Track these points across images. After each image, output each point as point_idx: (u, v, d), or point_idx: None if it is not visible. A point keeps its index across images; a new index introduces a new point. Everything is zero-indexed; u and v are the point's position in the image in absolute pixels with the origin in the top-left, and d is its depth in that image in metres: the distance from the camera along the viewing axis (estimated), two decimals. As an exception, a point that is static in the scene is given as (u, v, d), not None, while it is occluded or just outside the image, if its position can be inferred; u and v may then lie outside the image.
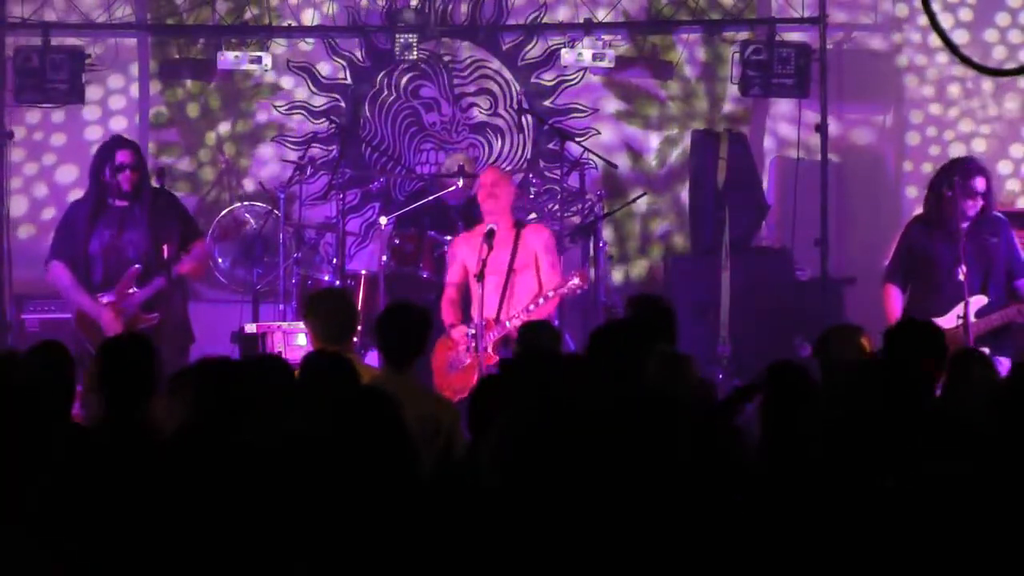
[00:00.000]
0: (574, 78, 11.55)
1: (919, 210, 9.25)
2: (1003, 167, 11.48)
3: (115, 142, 9.36)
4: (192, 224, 9.45)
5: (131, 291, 9.00)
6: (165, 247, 8.95)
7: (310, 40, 11.50)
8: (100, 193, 9.08)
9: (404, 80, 11.57)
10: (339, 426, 4.90)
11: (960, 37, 11.24)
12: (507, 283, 8.92)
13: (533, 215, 10.79)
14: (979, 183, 8.76)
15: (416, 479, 4.87)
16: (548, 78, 11.57)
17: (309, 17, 11.43)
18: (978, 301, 8.69)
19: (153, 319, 9.01)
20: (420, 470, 4.96)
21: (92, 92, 11.15)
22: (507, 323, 8.71)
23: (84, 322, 9.05)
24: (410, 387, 6.52)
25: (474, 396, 5.74)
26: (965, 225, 8.72)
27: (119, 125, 11.46)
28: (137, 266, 8.99)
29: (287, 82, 11.53)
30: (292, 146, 11.48)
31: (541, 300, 8.78)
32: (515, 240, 8.99)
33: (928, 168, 11.37)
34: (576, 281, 8.79)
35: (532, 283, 8.93)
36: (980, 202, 8.76)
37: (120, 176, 8.98)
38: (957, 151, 11.33)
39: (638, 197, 11.19)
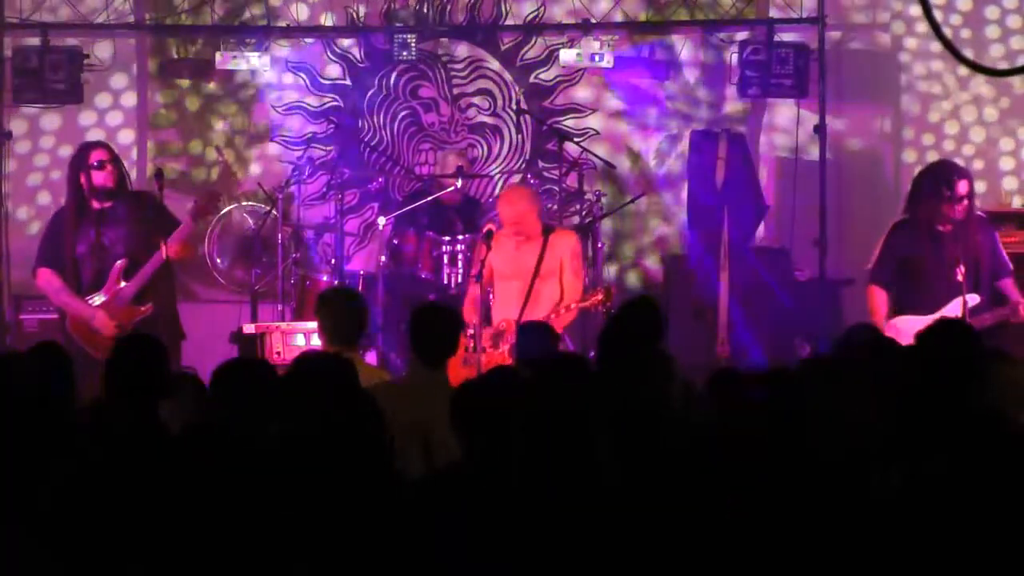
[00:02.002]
0: (573, 78, 11.55)
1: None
2: (1000, 166, 11.49)
3: (87, 145, 9.38)
4: (176, 220, 9.42)
5: (120, 286, 8.99)
6: (162, 242, 8.91)
7: (307, 40, 11.49)
8: (80, 197, 9.05)
9: (402, 80, 11.56)
10: (335, 424, 4.91)
11: (957, 29, 11.25)
12: (531, 288, 8.84)
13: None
14: (963, 186, 8.79)
15: (399, 477, 4.88)
16: (547, 78, 11.57)
17: (303, 13, 11.39)
18: (971, 299, 8.70)
19: (147, 310, 8.99)
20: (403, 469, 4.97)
21: (91, 92, 11.14)
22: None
23: (76, 326, 9.03)
24: (441, 385, 6.55)
25: (455, 398, 5.70)
26: (948, 228, 8.76)
27: (117, 125, 11.46)
28: (122, 260, 8.97)
29: (286, 82, 11.52)
30: (291, 146, 11.47)
31: (562, 311, 8.71)
32: (543, 246, 8.90)
33: (927, 168, 11.41)
34: (599, 297, 8.72)
35: (556, 290, 8.86)
36: (965, 203, 8.79)
37: (99, 174, 8.97)
38: (955, 151, 11.34)
39: (637, 197, 11.19)
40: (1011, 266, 9.04)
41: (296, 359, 5.90)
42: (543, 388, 5.67)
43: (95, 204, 9.05)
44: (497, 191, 11.38)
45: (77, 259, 9.04)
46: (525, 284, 8.80)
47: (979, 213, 9.04)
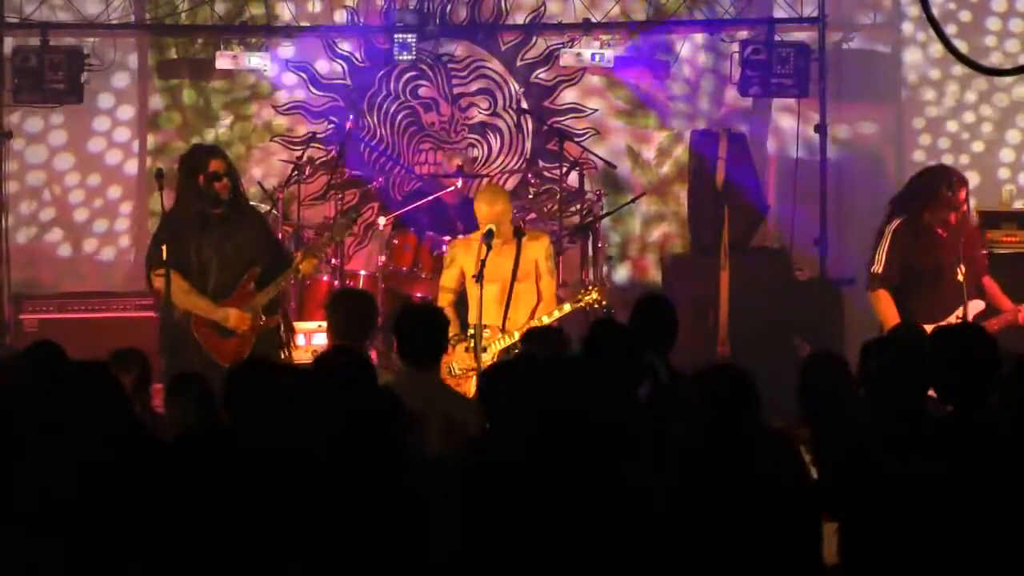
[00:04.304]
0: (573, 78, 11.54)
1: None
2: (1000, 167, 11.48)
3: (204, 151, 8.88)
4: (278, 237, 9.02)
5: (251, 293, 8.54)
6: (298, 255, 8.63)
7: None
8: (199, 201, 8.54)
9: (403, 80, 11.56)
10: (347, 429, 4.92)
11: (956, 33, 11.24)
12: (510, 292, 8.76)
13: (532, 215, 10.78)
14: (963, 194, 8.80)
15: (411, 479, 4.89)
16: (547, 78, 11.56)
17: (298, 9, 11.39)
18: (975, 306, 8.68)
19: (275, 321, 8.59)
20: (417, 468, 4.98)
21: (90, 92, 11.12)
22: (515, 333, 8.60)
23: (204, 332, 8.51)
24: (434, 387, 6.54)
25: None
26: (946, 231, 8.75)
27: (117, 125, 11.45)
28: (255, 268, 8.53)
29: (286, 82, 11.52)
30: (291, 146, 11.46)
31: (556, 313, 8.61)
32: (517, 249, 8.83)
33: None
34: (593, 296, 8.62)
35: (533, 292, 8.79)
36: (964, 209, 8.79)
37: (217, 184, 8.49)
38: (955, 150, 11.33)
39: (637, 197, 11.20)
40: (986, 262, 9.06)
41: (317, 358, 5.91)
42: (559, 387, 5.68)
43: (211, 210, 8.54)
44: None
45: (202, 262, 8.50)
46: (503, 288, 8.73)
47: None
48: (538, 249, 8.80)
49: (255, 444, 5.08)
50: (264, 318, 8.53)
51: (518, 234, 8.85)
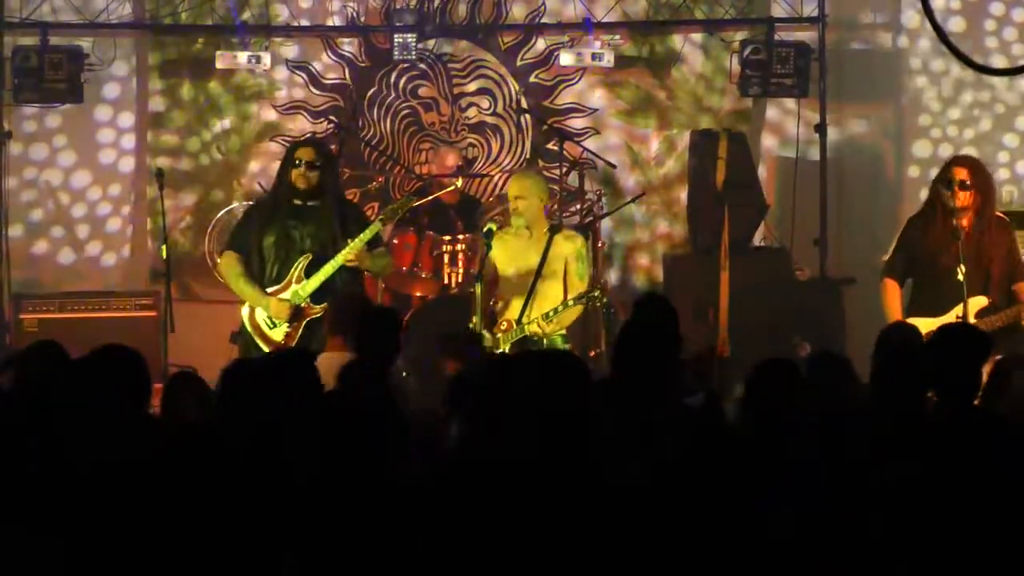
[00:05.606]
0: (573, 78, 11.54)
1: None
2: (1001, 167, 11.48)
3: (300, 140, 8.97)
4: (379, 236, 9.11)
5: (298, 280, 8.57)
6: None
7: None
8: (279, 192, 8.68)
9: (403, 80, 11.55)
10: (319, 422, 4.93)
11: (956, 29, 11.24)
12: (533, 287, 8.74)
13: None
14: (957, 173, 8.69)
15: (396, 474, 4.89)
16: (547, 77, 11.56)
17: (298, 9, 11.40)
18: (978, 303, 8.64)
19: (321, 311, 8.48)
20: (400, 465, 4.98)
21: (91, 91, 11.11)
22: (524, 326, 8.62)
23: (255, 321, 8.64)
24: (394, 385, 6.59)
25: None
26: (965, 223, 8.66)
27: (118, 125, 11.45)
28: (307, 255, 8.56)
29: (286, 82, 11.51)
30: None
31: (560, 307, 8.61)
32: (548, 244, 8.80)
33: (927, 167, 11.38)
34: (595, 294, 8.63)
35: (558, 289, 8.78)
36: (968, 193, 8.67)
37: (294, 172, 8.55)
38: (955, 150, 11.33)
39: (637, 197, 11.19)
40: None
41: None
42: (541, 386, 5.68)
43: (293, 200, 8.62)
44: (497, 190, 11.39)
45: (263, 249, 8.62)
46: (527, 282, 8.74)
47: (998, 214, 8.94)
48: (569, 249, 8.78)
49: (249, 443, 5.08)
50: (312, 307, 8.55)
51: (552, 230, 8.82)
